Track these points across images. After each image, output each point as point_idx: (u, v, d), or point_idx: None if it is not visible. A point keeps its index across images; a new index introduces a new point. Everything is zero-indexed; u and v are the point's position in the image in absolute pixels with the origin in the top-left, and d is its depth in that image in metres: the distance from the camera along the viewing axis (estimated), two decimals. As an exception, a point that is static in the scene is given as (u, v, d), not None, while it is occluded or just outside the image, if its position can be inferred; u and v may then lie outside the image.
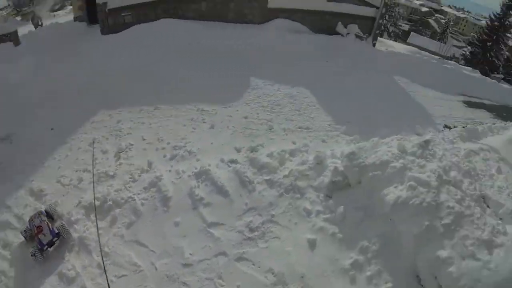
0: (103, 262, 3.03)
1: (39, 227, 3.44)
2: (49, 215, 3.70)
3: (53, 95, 6.16)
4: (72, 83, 6.61)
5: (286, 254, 3.29)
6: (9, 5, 23.50)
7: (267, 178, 3.96)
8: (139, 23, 9.66)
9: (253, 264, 3.26)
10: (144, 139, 4.83)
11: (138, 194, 3.91)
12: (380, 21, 11.27)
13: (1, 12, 19.88)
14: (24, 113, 5.69)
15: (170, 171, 4.15)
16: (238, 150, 4.65)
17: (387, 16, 27.97)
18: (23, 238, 3.56)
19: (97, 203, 3.73)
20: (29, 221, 3.59)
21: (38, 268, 3.30)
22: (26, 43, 12.15)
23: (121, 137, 5.06)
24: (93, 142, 4.86)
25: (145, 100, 5.86)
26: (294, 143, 4.94)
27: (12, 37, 11.85)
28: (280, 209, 3.68)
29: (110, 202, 3.86)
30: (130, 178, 4.17)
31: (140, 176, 4.16)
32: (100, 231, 3.43)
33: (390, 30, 33.70)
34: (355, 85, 7.35)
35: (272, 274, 3.16)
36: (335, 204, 3.58)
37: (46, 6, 20.71)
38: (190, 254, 3.34)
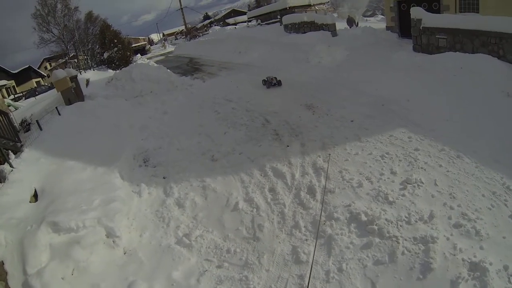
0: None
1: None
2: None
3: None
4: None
5: None
6: (329, 1, 28.37)
7: None
8: (454, 51, 8.77)
9: None
10: (436, 185, 4.53)
11: (404, 239, 3.86)
12: None
13: (322, 6, 24.51)
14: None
15: (448, 239, 3.72)
16: None
17: None
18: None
19: (364, 218, 4.14)
20: None
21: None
22: (341, 36, 14.62)
23: (414, 167, 4.93)
24: (329, 157, 5.34)
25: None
26: None
27: (331, 29, 14.77)
28: None
29: (375, 227, 4.03)
30: (406, 217, 4.04)
31: (416, 222, 3.99)
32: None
33: None
34: None
35: None
36: None
37: (360, 11, 23.15)
38: None
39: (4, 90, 28.84)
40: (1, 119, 8.90)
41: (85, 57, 27.39)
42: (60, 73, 10.00)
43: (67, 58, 28.13)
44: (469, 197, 4.21)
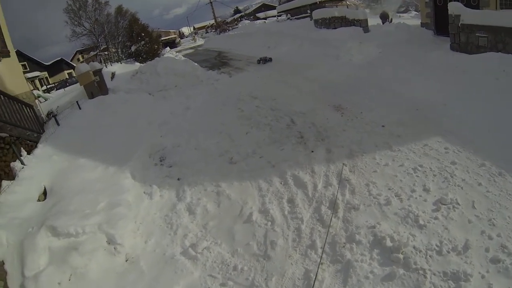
0: None
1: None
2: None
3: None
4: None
5: None
6: None
7: None
8: (496, 51, 8.02)
9: None
10: (474, 207, 3.95)
11: (433, 273, 3.28)
12: None
13: (354, 0, 23.93)
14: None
15: (483, 276, 3.16)
16: None
17: None
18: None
19: (389, 243, 3.69)
20: None
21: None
22: (374, 33, 14.17)
23: (449, 184, 4.37)
24: (342, 168, 4.89)
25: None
26: None
27: (363, 25, 14.23)
28: None
29: (401, 255, 3.50)
30: (437, 246, 3.54)
31: (448, 253, 3.44)
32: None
33: None
34: None
35: None
36: None
37: (393, 6, 22.50)
38: None
39: (37, 81, 31.05)
40: (27, 111, 9.42)
41: (116, 50, 28.63)
42: (83, 67, 10.38)
43: (97, 50, 29.56)
44: (510, 225, 3.62)
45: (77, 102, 8.98)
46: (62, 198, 4.95)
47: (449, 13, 9.64)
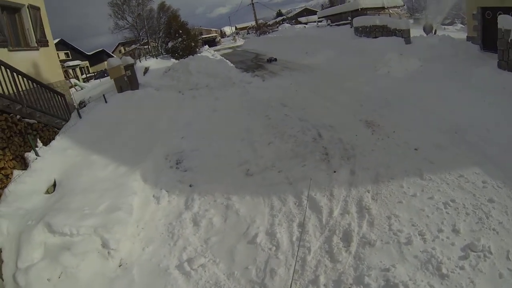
0: None
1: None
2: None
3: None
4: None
5: None
6: (404, 5, 28.08)
7: None
8: None
9: None
10: (508, 259, 3.36)
11: None
12: None
13: (397, 9, 23.15)
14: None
15: None
16: None
17: None
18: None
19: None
20: None
21: None
22: (415, 44, 13.53)
23: (483, 227, 3.84)
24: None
25: None
26: None
27: (405, 35, 13.66)
28: None
29: None
30: None
31: None
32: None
33: None
34: None
35: None
36: None
37: (438, 18, 21.70)
38: None
39: (78, 70, 33.28)
40: (58, 100, 9.99)
41: (156, 44, 29.97)
42: (114, 61, 10.85)
43: (138, 44, 31.09)
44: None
45: (103, 95, 9.34)
46: (66, 194, 5.09)
47: (498, 27, 8.96)
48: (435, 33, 17.88)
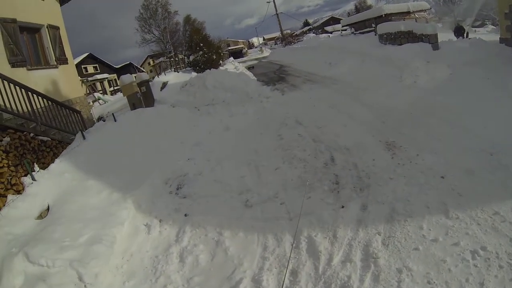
0: None
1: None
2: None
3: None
4: None
5: None
6: (431, 8, 27.13)
7: None
8: None
9: None
10: None
11: None
12: None
13: (423, 13, 22.06)
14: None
15: None
16: None
17: None
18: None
19: None
20: None
21: None
22: (444, 50, 12.78)
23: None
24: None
25: None
26: None
27: (432, 40, 12.72)
28: None
29: None
30: None
31: None
32: None
33: None
34: None
35: None
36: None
37: (468, 20, 20.45)
38: None
39: (106, 82, 34.84)
40: (74, 116, 10.25)
41: (182, 57, 30.77)
42: (127, 78, 10.99)
43: (165, 57, 32.07)
44: None
45: (112, 114, 9.41)
46: (54, 221, 5.02)
47: None
48: (467, 36, 17.00)
